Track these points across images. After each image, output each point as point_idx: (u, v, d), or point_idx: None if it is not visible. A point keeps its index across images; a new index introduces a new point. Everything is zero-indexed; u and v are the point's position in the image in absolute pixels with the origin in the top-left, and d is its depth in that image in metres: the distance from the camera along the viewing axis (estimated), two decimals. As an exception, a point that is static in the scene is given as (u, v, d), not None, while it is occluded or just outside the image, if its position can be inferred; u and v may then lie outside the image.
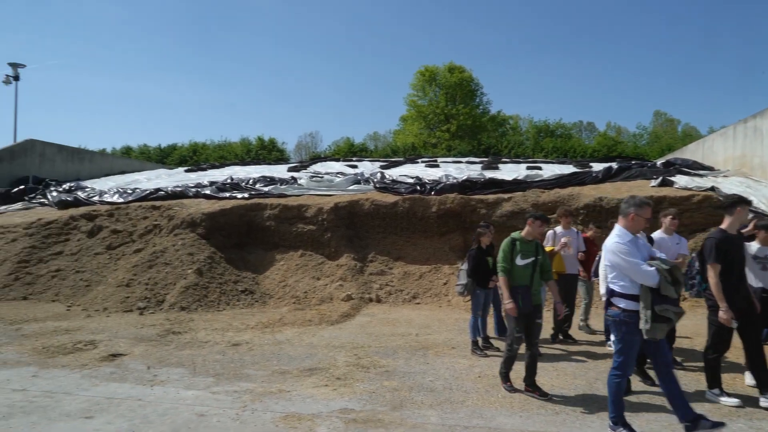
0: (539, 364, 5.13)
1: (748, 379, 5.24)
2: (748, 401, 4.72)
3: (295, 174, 15.44)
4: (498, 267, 5.16)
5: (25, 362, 5.94)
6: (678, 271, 3.80)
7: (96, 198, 14.63)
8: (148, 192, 14.26)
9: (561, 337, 7.25)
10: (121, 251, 11.64)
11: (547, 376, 5.52)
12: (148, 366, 5.84)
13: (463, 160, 20.20)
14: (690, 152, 17.15)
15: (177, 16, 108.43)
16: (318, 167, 17.59)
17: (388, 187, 12.94)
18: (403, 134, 39.20)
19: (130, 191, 14.71)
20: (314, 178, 14.05)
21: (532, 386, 4.94)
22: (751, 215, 6.98)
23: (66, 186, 16.90)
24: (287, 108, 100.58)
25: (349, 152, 29.37)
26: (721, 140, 14.97)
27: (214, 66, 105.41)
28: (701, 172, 13.51)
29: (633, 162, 16.88)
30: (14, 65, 21.61)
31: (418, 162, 19.04)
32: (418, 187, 12.58)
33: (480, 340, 6.77)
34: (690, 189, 11.28)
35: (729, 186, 11.35)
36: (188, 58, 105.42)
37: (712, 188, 11.07)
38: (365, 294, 10.31)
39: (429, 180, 13.23)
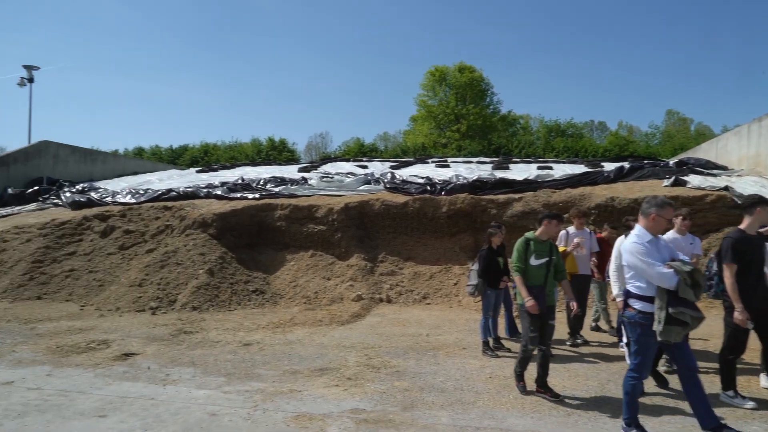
0: (551, 365, 5.09)
1: (764, 381, 5.17)
2: (763, 404, 4.65)
3: (305, 174, 15.45)
4: (512, 267, 5.12)
5: (39, 361, 6.03)
6: (699, 274, 3.70)
7: (109, 198, 14.75)
8: (160, 192, 14.35)
9: (579, 341, 6.93)
10: (133, 251, 11.75)
11: (559, 377, 5.49)
12: (159, 365, 5.89)
13: (474, 160, 20.08)
14: (703, 151, 16.96)
15: (189, 18, 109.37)
16: (328, 167, 17.59)
17: (398, 187, 12.92)
18: (413, 134, 39.14)
19: (142, 192, 14.83)
20: (324, 179, 14.06)
21: (543, 387, 4.90)
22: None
23: (79, 187, 17.06)
24: (298, 108, 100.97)
25: (360, 152, 29.37)
26: (735, 139, 14.77)
27: (226, 67, 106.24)
28: (715, 171, 13.33)
29: (645, 161, 16.68)
30: (29, 67, 21.83)
31: (428, 162, 18.96)
32: (429, 188, 12.55)
33: (491, 341, 6.74)
34: (703, 189, 11.13)
35: (743, 186, 11.18)
36: (200, 59, 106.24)
37: (726, 188, 10.90)
38: (375, 294, 10.31)
39: (439, 180, 13.18)
